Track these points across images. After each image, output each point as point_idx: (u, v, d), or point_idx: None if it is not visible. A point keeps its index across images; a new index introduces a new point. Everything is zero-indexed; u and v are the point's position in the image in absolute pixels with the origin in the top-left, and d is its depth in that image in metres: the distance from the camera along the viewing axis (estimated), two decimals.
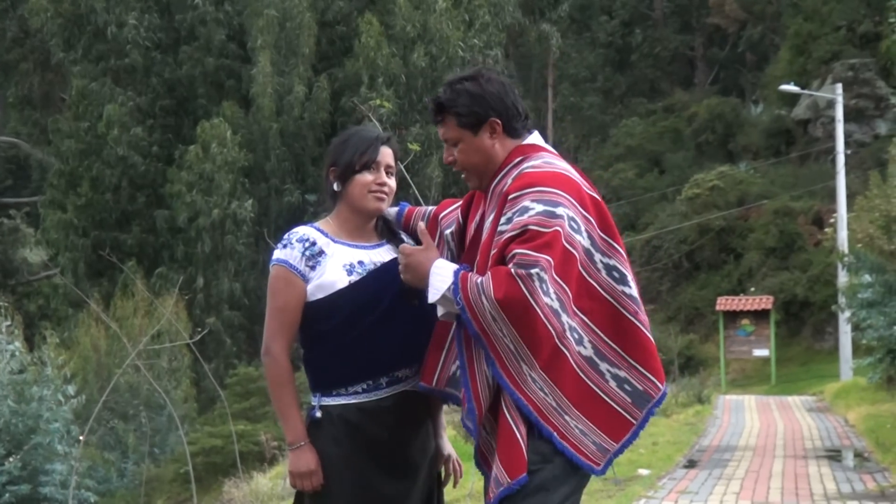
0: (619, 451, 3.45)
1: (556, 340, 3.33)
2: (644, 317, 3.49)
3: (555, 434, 3.35)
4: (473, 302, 3.31)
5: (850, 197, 26.70)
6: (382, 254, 3.70)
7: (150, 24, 36.72)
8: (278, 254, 3.66)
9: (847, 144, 31.44)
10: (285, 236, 3.70)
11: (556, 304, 3.32)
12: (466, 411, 3.46)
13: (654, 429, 17.04)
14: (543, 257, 3.29)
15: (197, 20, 36.35)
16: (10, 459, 16.51)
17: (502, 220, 3.40)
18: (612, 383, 3.42)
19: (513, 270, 3.28)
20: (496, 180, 3.55)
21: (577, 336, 3.38)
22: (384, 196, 3.71)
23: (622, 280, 3.48)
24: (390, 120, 29.38)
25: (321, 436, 3.62)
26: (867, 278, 18.97)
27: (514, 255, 3.30)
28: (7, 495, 16.20)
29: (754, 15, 48.79)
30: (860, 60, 39.91)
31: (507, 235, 3.34)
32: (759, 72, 50.27)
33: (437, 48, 35.06)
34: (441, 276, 3.42)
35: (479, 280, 3.33)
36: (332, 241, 3.68)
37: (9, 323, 18.55)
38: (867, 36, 40.91)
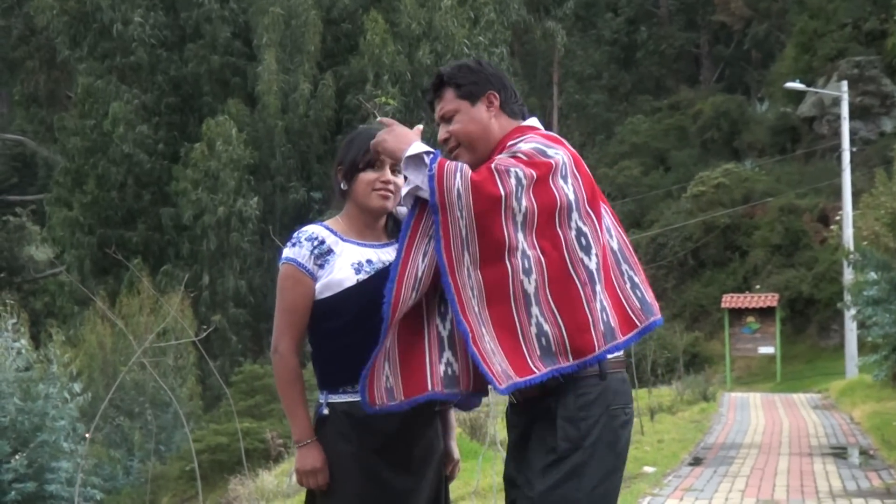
0: (521, 385, 3.34)
1: (506, 251, 3.33)
2: (590, 292, 3.43)
3: (469, 335, 3.32)
4: (446, 175, 3.32)
5: (856, 194, 26.68)
6: (391, 253, 3.68)
7: (156, 21, 36.78)
8: (287, 252, 3.68)
9: (853, 142, 31.41)
10: (294, 235, 3.71)
11: (520, 218, 3.33)
12: (386, 291, 3.44)
13: (660, 426, 17.06)
14: (527, 168, 3.34)
15: (202, 18, 36.41)
16: (17, 457, 16.53)
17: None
18: (533, 329, 3.36)
19: (492, 165, 3.34)
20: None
21: (526, 266, 3.36)
22: (389, 194, 3.71)
23: (586, 249, 3.45)
24: (395, 117, 29.30)
25: (329, 432, 3.63)
26: (873, 276, 18.94)
27: (496, 159, 3.38)
28: (13, 493, 16.23)
29: (760, 12, 48.74)
30: (866, 58, 39.86)
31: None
32: (764, 69, 50.22)
33: (443, 45, 35.08)
34: (424, 147, 3.43)
35: (459, 163, 3.37)
36: (341, 239, 3.69)
37: (15, 321, 18.59)
38: (873, 33, 40.88)
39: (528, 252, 3.35)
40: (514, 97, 3.69)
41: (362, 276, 3.62)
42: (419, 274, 3.43)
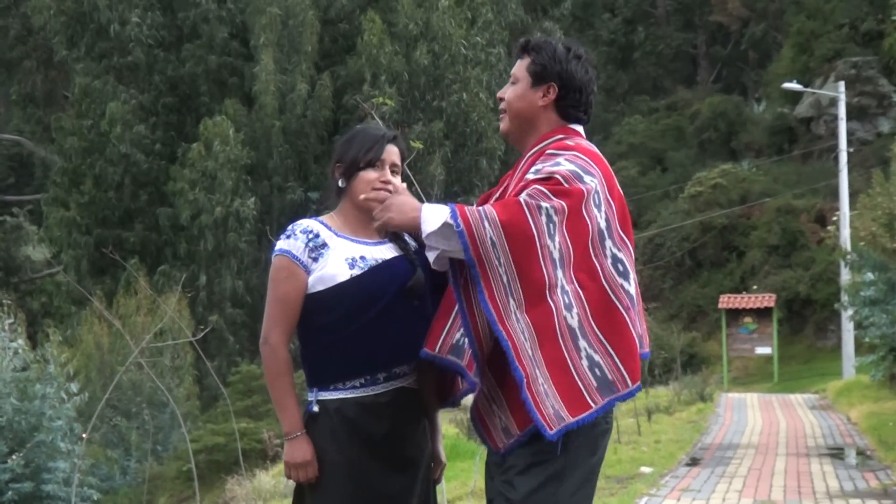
0: (572, 426, 3.31)
1: (546, 290, 3.30)
2: (634, 315, 3.47)
3: (524, 380, 3.27)
4: (474, 225, 3.26)
5: (853, 195, 26.68)
6: (384, 251, 3.70)
7: (153, 21, 36.73)
8: (281, 244, 3.67)
9: (850, 142, 31.44)
10: (289, 227, 3.70)
11: (556, 255, 3.30)
12: (470, 354, 3.42)
13: (657, 426, 17.06)
14: (558, 200, 3.30)
15: (199, 18, 36.37)
16: (13, 457, 16.49)
17: (531, 170, 3.43)
18: (585, 363, 3.34)
19: (522, 199, 3.29)
20: (533, 150, 3.58)
21: (566, 301, 3.33)
22: (388, 193, 3.71)
23: (624, 275, 3.47)
24: (393, 118, 29.31)
25: (318, 430, 3.62)
26: (870, 276, 18.96)
27: (529, 189, 3.32)
28: (10, 493, 16.20)
29: (757, 13, 48.78)
30: (863, 58, 39.91)
31: (530, 179, 3.37)
32: (761, 70, 50.25)
33: (440, 46, 35.06)
34: (436, 209, 3.35)
35: (481, 208, 3.30)
36: (335, 234, 3.68)
37: (12, 321, 18.54)
38: (870, 34, 40.92)
39: (567, 287, 3.34)
40: (578, 103, 3.64)
41: (356, 272, 3.61)
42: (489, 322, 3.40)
